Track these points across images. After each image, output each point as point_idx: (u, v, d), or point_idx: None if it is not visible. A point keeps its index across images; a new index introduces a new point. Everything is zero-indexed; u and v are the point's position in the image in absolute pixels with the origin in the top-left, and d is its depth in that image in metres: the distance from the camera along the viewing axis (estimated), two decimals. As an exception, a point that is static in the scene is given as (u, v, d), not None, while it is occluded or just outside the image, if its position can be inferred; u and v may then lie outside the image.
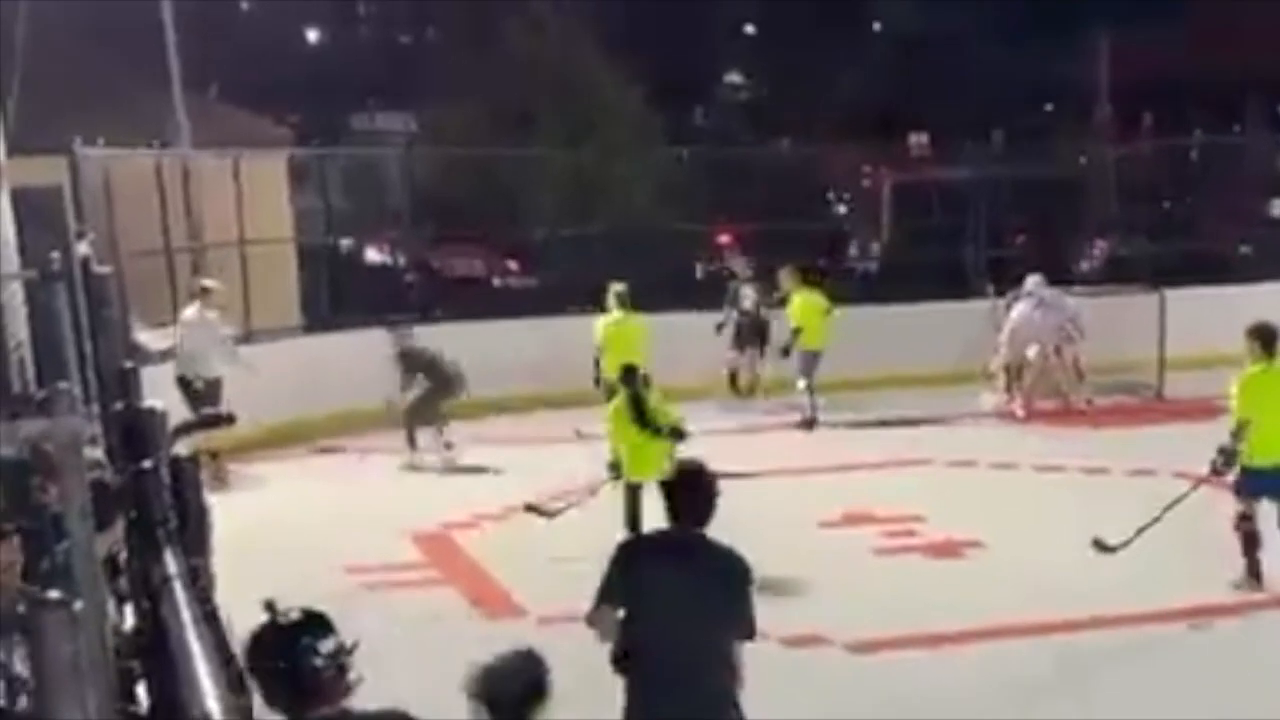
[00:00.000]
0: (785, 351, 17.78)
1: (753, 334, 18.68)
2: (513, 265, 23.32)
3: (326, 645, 4.11)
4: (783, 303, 18.14)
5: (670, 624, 5.96)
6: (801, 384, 17.48)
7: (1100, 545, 11.29)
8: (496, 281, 22.66)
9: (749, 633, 6.08)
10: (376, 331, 16.70)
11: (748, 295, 18.71)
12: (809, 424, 17.34)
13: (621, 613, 6.07)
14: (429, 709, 8.48)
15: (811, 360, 17.56)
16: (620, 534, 10.39)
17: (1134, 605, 10.21)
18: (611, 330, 15.78)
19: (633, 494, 11.15)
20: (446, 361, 15.67)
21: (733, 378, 18.68)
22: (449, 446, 15.49)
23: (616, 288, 16.06)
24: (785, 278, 18.01)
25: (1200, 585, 10.53)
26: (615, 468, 11.34)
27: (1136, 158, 26.74)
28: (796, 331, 17.60)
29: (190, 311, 15.03)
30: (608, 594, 6.08)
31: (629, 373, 11.69)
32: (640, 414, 11.26)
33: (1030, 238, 24.11)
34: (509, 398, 17.78)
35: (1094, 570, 10.86)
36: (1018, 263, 20.25)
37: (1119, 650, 9.48)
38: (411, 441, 15.56)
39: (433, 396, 15.63)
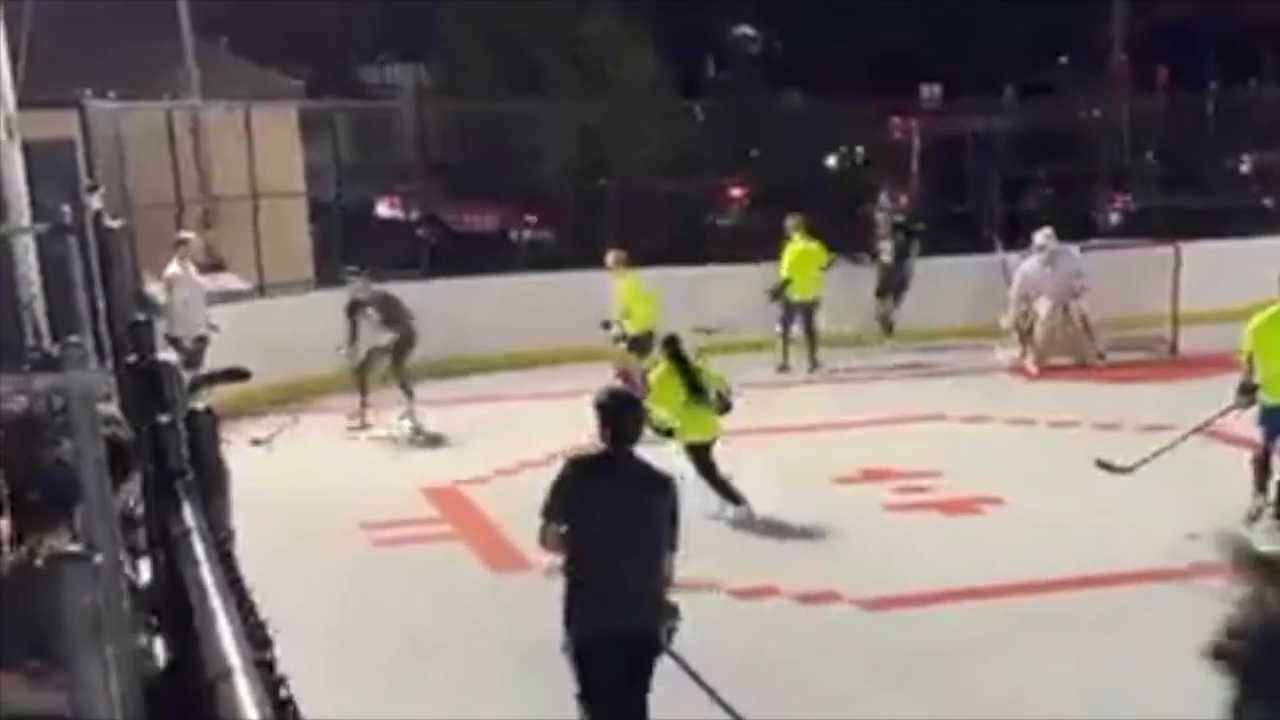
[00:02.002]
0: (773, 295, 17.92)
1: (890, 284, 19.20)
2: (531, 219, 23.23)
3: None
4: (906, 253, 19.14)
5: (605, 534, 6.53)
6: (778, 329, 17.90)
7: (1107, 465, 11.34)
8: (514, 235, 22.58)
9: (674, 542, 6.63)
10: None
11: (885, 249, 19.33)
12: (783, 369, 17.80)
13: (565, 528, 6.60)
14: (445, 659, 8.54)
15: (796, 310, 17.84)
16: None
17: (1149, 561, 10.19)
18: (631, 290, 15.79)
19: (698, 454, 11.30)
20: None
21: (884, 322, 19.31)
22: (414, 420, 14.99)
23: (618, 252, 16.13)
24: (791, 227, 18.11)
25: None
26: (666, 432, 11.25)
27: (1151, 111, 26.62)
28: (786, 281, 17.81)
29: (173, 267, 14.89)
30: (551, 512, 6.62)
31: (671, 341, 11.73)
32: (693, 383, 11.36)
33: (1046, 191, 24.01)
34: (519, 353, 17.80)
35: (1109, 525, 10.88)
36: (1031, 216, 20.21)
37: (1133, 605, 9.47)
38: (366, 400, 15.09)
39: (404, 350, 15.13)
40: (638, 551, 6.56)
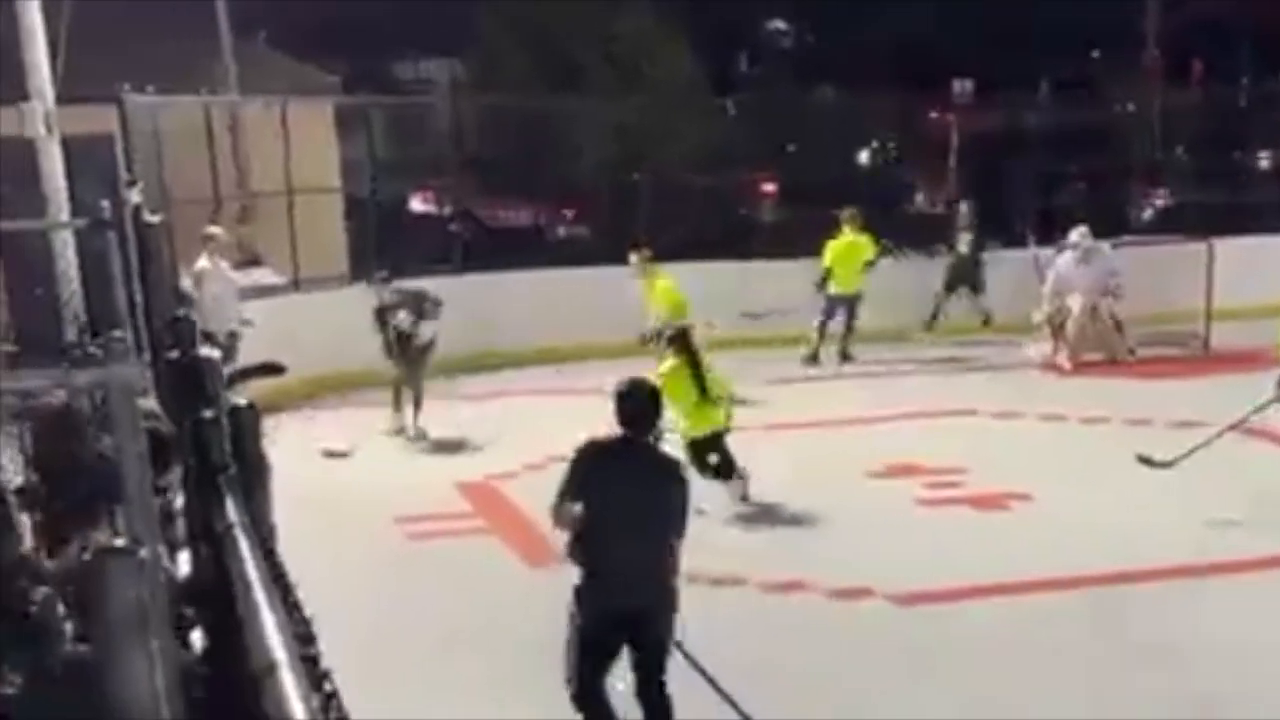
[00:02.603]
0: (819, 286, 17.94)
1: (963, 276, 19.21)
2: (569, 213, 23.29)
3: None
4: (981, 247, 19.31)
5: (616, 517, 6.72)
6: (815, 322, 17.95)
7: (1147, 460, 11.33)
8: (549, 231, 22.68)
9: (682, 530, 6.82)
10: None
11: (965, 239, 19.34)
12: (811, 360, 17.88)
13: (578, 508, 6.78)
14: (480, 654, 8.59)
15: (838, 303, 17.85)
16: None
17: (1181, 557, 10.20)
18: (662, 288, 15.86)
19: (696, 448, 11.27)
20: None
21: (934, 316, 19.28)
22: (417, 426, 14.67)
23: (641, 251, 16.23)
24: (846, 220, 18.17)
25: (1251, 537, 10.52)
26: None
27: (1185, 105, 26.51)
28: (828, 271, 17.82)
29: (202, 262, 14.86)
30: (565, 491, 6.83)
31: (681, 336, 11.76)
32: (700, 382, 11.39)
33: (1079, 187, 23.93)
34: (550, 348, 17.86)
35: (1141, 520, 10.88)
36: (1066, 212, 20.17)
37: (1165, 601, 9.47)
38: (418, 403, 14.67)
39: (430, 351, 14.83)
40: (647, 536, 6.75)
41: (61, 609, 4.26)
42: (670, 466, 7.06)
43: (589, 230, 23.17)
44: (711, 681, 7.49)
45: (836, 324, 18.02)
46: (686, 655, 7.22)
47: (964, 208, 19.79)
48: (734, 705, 7.46)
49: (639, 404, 7.01)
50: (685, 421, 11.34)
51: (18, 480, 6.02)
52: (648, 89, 24.91)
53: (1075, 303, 17.51)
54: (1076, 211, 19.64)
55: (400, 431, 14.62)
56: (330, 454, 13.73)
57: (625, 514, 6.73)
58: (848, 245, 17.94)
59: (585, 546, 6.79)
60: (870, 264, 17.99)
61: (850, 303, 17.92)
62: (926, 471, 12.78)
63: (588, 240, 22.52)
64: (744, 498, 11.58)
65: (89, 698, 3.91)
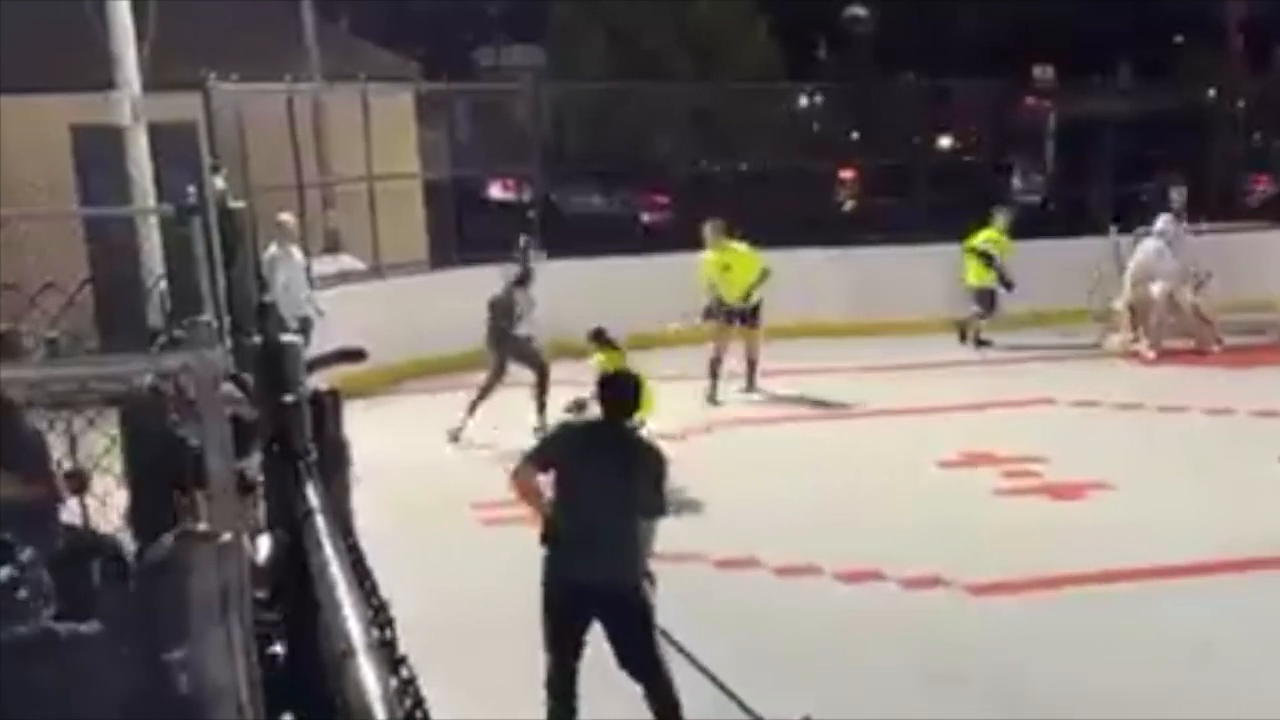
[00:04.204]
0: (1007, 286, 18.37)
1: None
2: (662, 200, 23.31)
3: None
4: None
5: (587, 491, 6.94)
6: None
7: None
8: (635, 217, 22.74)
9: (660, 512, 7.05)
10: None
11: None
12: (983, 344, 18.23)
13: (549, 493, 7.02)
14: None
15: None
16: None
17: (1260, 549, 10.09)
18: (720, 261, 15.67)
19: None
20: None
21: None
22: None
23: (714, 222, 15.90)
24: (998, 215, 18.54)
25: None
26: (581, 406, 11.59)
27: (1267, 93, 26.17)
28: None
29: (272, 249, 14.91)
30: (533, 459, 7.15)
31: (599, 334, 12.36)
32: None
33: (1170, 174, 23.56)
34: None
35: (1217, 512, 10.78)
36: (1143, 200, 20.01)
37: (1243, 595, 9.39)
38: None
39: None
40: (617, 512, 6.91)
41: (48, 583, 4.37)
42: (643, 447, 7.28)
43: (670, 217, 23.16)
44: (705, 671, 7.47)
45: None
46: (675, 645, 7.25)
47: (1175, 194, 19.29)
48: (724, 688, 7.44)
49: (619, 391, 7.27)
50: None
51: (67, 465, 6.16)
52: (725, 75, 24.86)
53: (1156, 290, 17.35)
54: (1162, 199, 19.42)
55: (457, 438, 14.06)
56: (454, 438, 13.88)
57: (593, 490, 6.92)
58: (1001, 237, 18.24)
59: (555, 520, 6.97)
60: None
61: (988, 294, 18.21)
62: (1003, 460, 12.73)
63: (669, 227, 22.49)
64: None
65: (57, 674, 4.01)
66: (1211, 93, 25.30)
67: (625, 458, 7.08)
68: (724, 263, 15.47)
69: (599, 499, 6.91)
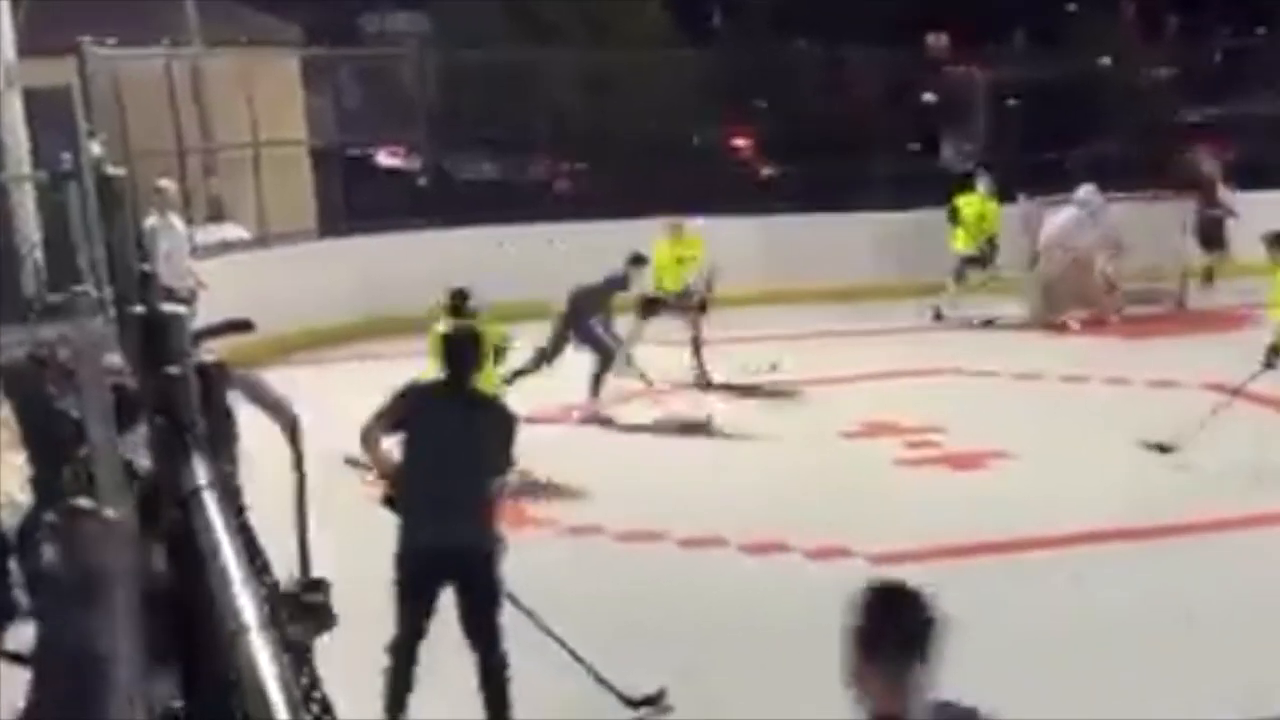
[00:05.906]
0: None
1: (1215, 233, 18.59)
2: (564, 166, 23.17)
3: None
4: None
5: (432, 457, 6.80)
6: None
7: (1159, 447, 11.27)
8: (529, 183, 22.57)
9: (507, 469, 7.10)
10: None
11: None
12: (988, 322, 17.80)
13: (398, 454, 6.94)
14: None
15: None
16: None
17: (1154, 517, 10.13)
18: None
19: None
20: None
21: (1208, 273, 18.55)
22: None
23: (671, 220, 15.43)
24: (981, 179, 18.33)
25: (1224, 497, 10.45)
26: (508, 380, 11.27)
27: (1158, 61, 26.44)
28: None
29: (152, 218, 14.30)
30: (382, 417, 7.03)
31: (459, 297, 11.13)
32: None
33: (1083, 143, 23.53)
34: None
35: (1117, 481, 10.84)
36: (1057, 166, 20.14)
37: (1142, 562, 9.38)
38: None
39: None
40: (464, 471, 6.79)
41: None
42: (488, 405, 7.29)
43: (568, 185, 23.02)
44: (549, 631, 7.24)
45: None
46: (520, 606, 7.05)
47: (1208, 166, 19.08)
48: (561, 642, 7.30)
49: (458, 347, 7.19)
50: None
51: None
52: (617, 41, 24.72)
53: (1069, 258, 17.38)
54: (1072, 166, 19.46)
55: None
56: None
57: (441, 452, 6.79)
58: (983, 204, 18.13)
59: (404, 485, 6.88)
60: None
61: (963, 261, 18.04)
62: (904, 430, 12.68)
63: (575, 194, 22.32)
64: None
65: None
66: (1106, 60, 25.45)
67: (468, 416, 6.97)
68: (677, 256, 15.22)
69: (445, 462, 6.76)
